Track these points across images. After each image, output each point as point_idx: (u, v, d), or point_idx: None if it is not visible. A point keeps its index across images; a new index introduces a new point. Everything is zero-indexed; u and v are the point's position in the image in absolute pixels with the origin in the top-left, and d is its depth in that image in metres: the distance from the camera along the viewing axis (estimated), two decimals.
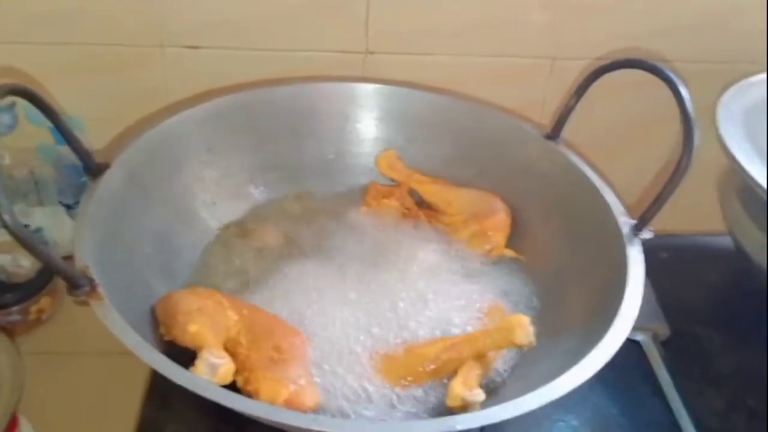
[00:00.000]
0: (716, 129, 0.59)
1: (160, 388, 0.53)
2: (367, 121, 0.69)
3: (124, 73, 0.70)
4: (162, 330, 0.47)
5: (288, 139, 0.66)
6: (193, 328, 0.44)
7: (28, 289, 0.63)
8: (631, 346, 0.62)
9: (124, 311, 0.44)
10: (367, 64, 0.72)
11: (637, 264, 0.51)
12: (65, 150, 0.59)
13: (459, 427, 0.38)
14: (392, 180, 0.69)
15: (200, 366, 0.42)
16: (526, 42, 0.72)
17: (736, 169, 0.57)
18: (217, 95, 0.64)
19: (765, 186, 0.53)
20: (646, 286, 0.67)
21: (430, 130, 0.68)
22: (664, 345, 0.62)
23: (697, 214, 0.71)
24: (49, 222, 0.71)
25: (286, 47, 0.70)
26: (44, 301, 0.65)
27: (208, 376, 0.42)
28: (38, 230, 0.70)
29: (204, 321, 0.45)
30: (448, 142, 0.68)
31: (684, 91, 0.50)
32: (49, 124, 0.49)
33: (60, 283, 0.61)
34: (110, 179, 0.52)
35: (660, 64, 0.52)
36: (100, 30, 0.67)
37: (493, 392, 0.51)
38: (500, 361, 0.53)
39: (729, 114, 0.61)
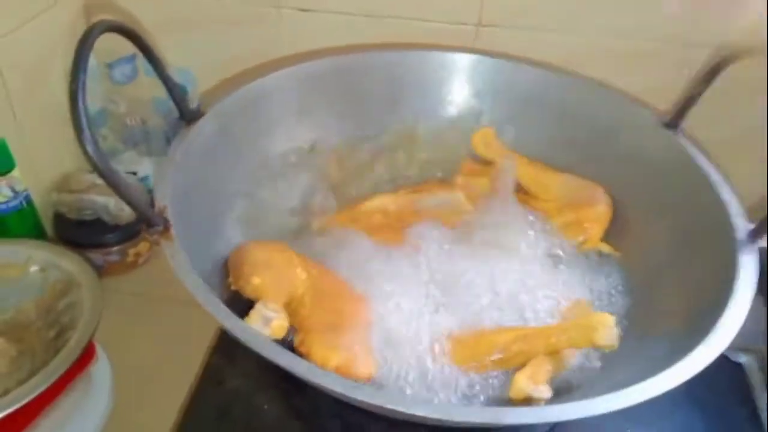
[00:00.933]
0: None
1: (227, 341, 0.53)
2: (467, 94, 0.66)
3: (238, 30, 0.71)
4: (230, 279, 0.47)
5: (385, 106, 0.65)
6: (256, 280, 0.44)
7: (128, 232, 0.66)
8: (731, 366, 0.56)
9: (197, 255, 0.45)
10: (479, 36, 0.69)
11: (750, 272, 0.44)
12: None
13: (508, 421, 0.35)
14: (487, 159, 0.65)
15: (254, 316, 0.42)
16: (654, 23, 0.66)
17: None
18: (317, 57, 0.63)
19: None
20: (757, 302, 0.60)
21: (533, 108, 0.64)
22: None
23: None
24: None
25: (398, 14, 0.69)
26: (142, 246, 0.68)
27: (261, 327, 0.42)
28: (145, 178, 0.74)
29: (269, 274, 0.45)
30: (552, 123, 0.64)
31: None
32: None
33: None
34: (202, 127, 0.53)
35: None
36: None
37: (566, 392, 0.47)
38: (579, 361, 0.49)
39: None
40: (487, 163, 0.65)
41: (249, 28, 0.71)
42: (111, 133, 0.74)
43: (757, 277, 0.44)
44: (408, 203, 0.59)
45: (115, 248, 0.66)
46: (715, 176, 0.52)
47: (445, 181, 0.63)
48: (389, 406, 0.35)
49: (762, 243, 0.47)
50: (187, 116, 0.52)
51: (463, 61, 0.65)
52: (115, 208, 0.68)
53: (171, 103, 0.71)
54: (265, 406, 0.51)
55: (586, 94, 0.62)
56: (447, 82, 0.66)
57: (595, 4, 0.65)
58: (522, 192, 0.63)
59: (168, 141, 0.74)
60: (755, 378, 0.55)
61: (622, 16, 0.66)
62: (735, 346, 0.55)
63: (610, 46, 0.68)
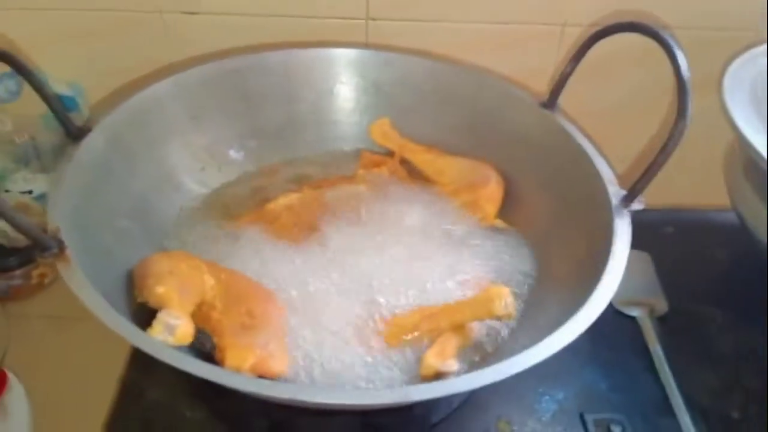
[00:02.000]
0: (722, 99, 0.56)
1: (142, 353, 0.53)
2: (361, 88, 0.67)
3: (124, 38, 0.70)
4: (136, 292, 0.47)
5: (279, 105, 0.66)
6: (160, 289, 0.44)
7: (29, 254, 0.64)
8: (625, 321, 0.61)
9: (98, 273, 0.44)
10: (370, 30, 0.71)
11: (623, 235, 0.49)
12: None
13: (416, 398, 0.38)
14: (385, 149, 0.68)
15: (156, 326, 0.42)
16: (534, 7, 0.70)
17: (740, 142, 0.54)
18: (208, 60, 0.63)
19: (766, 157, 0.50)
20: (646, 261, 0.66)
21: (426, 98, 0.67)
22: (661, 321, 0.61)
23: (709, 189, 0.68)
24: None
25: (286, 13, 0.69)
26: (46, 267, 0.66)
27: (164, 336, 0.42)
28: (41, 196, 0.72)
29: (173, 283, 0.45)
30: (444, 111, 0.66)
31: (680, 56, 0.48)
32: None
33: None
34: (91, 143, 0.52)
35: (656, 27, 0.49)
36: None
37: (483, 361, 0.50)
38: (489, 331, 0.52)
39: (736, 84, 0.58)
40: (386, 153, 0.67)
41: (135, 36, 0.70)
42: (0, 154, 0.71)
43: (630, 238, 0.49)
44: (312, 199, 0.61)
45: (18, 272, 0.64)
46: (590, 149, 0.56)
47: (347, 175, 0.65)
48: (300, 398, 0.37)
49: (633, 207, 0.51)
50: (74, 132, 0.51)
51: (354, 56, 0.67)
52: (14, 231, 0.66)
53: None
54: (188, 414, 0.51)
55: (471, 81, 0.65)
56: (340, 78, 0.67)
57: None
58: (421, 178, 0.65)
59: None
60: (648, 330, 0.60)
61: (502, 2, 0.69)
62: (628, 300, 0.62)
63: (493, 33, 0.71)
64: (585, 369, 0.57)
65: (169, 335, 0.42)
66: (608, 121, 0.71)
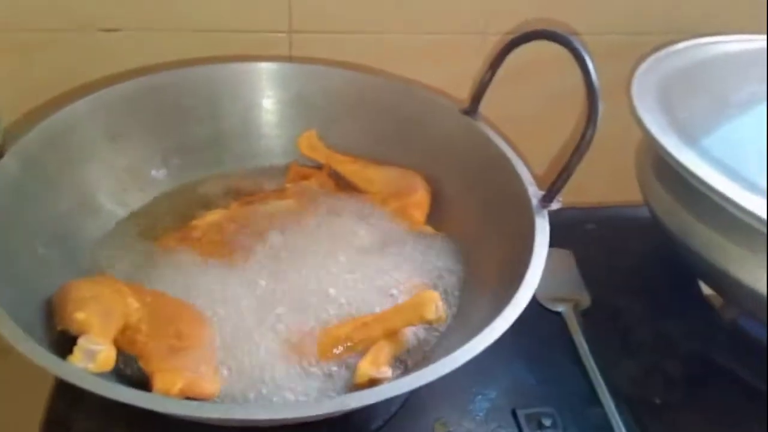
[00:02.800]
0: (631, 102, 0.60)
1: (68, 385, 0.51)
2: (286, 101, 0.68)
3: (41, 56, 0.67)
4: (56, 320, 0.45)
5: (202, 122, 0.65)
6: (80, 315, 0.43)
7: None
8: (552, 317, 0.63)
9: (17, 303, 0.43)
10: (293, 43, 0.71)
11: (543, 234, 0.51)
12: None
13: (353, 405, 0.38)
14: (313, 161, 0.68)
15: (77, 353, 0.41)
16: (455, 17, 0.72)
17: (649, 142, 0.58)
18: (126, 78, 0.62)
19: (675, 156, 0.54)
20: (569, 257, 0.69)
21: (351, 110, 0.67)
22: (585, 315, 0.63)
23: (624, 186, 0.72)
24: None
25: (209, 28, 0.69)
26: None
27: (86, 363, 0.41)
28: None
29: (95, 309, 0.44)
30: (368, 121, 0.67)
31: (590, 64, 0.50)
32: None
33: None
34: (4, 168, 0.50)
35: (567, 35, 0.52)
36: (8, 15, 0.65)
37: (416, 367, 0.51)
38: (421, 337, 0.53)
39: (643, 86, 0.62)
40: (315, 165, 0.68)
41: (52, 54, 0.67)
42: None
43: (548, 236, 0.51)
44: (240, 215, 0.60)
45: None
46: (510, 153, 0.58)
47: (276, 189, 0.65)
48: (233, 416, 0.37)
49: (552, 206, 0.53)
50: None
51: (277, 69, 0.67)
52: None
53: None
54: None
55: (393, 91, 0.66)
56: (264, 92, 0.67)
57: (397, 4, 0.70)
58: (350, 188, 0.66)
59: None
60: (573, 324, 0.62)
61: (422, 12, 0.71)
62: (552, 297, 0.64)
63: (416, 42, 0.73)
64: (514, 366, 0.59)
65: (90, 362, 0.41)
66: (527, 125, 0.74)
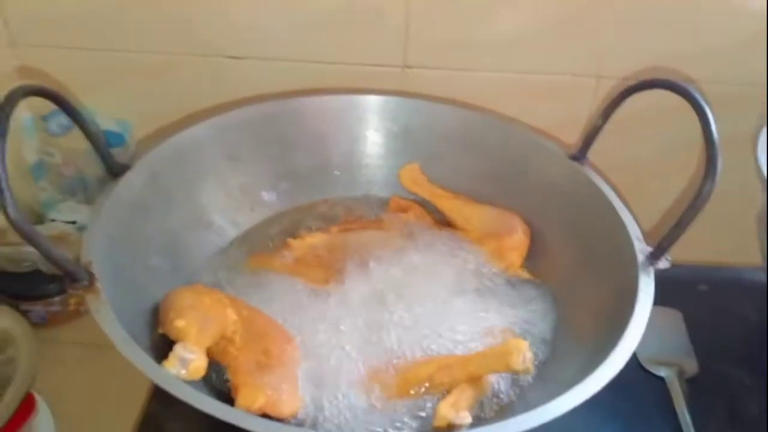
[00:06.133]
0: (756, 159, 0.56)
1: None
2: (392, 134, 0.69)
3: (170, 79, 0.73)
4: (159, 324, 0.48)
5: (312, 149, 0.68)
6: (180, 323, 0.46)
7: None
8: (654, 381, 0.59)
9: (126, 307, 0.46)
10: (404, 78, 0.73)
11: (647, 293, 0.48)
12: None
13: None
14: (413, 194, 0.69)
15: (172, 359, 0.43)
16: (569, 58, 0.70)
17: None
18: (246, 104, 0.65)
19: None
20: (677, 318, 0.64)
21: (455, 146, 0.68)
22: (691, 383, 0.59)
23: (740, 245, 0.67)
24: None
25: (326, 60, 0.72)
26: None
27: (178, 369, 0.43)
28: (84, 227, 0.75)
29: (193, 317, 0.47)
30: (473, 159, 0.67)
31: (708, 113, 0.48)
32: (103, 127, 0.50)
33: None
34: (130, 180, 0.54)
35: (686, 85, 0.50)
36: (142, 38, 0.71)
37: (499, 415, 0.50)
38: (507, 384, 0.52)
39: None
40: (415, 198, 0.68)
41: (179, 78, 0.73)
42: (49, 185, 0.75)
43: (653, 297, 0.48)
44: (338, 241, 0.62)
45: (56, 298, 0.66)
46: (617, 203, 0.56)
47: (374, 219, 0.66)
48: None
49: (659, 265, 0.50)
50: (114, 169, 0.54)
51: (386, 102, 0.68)
52: None
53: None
54: None
55: (501, 131, 0.66)
56: (373, 123, 0.69)
57: (512, 43, 0.70)
58: (447, 224, 0.66)
59: None
60: (676, 391, 0.58)
61: (537, 52, 0.70)
62: (657, 359, 0.60)
63: (528, 82, 0.72)
64: (609, 428, 0.56)
65: (182, 369, 0.43)
66: (637, 176, 0.70)
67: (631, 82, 0.55)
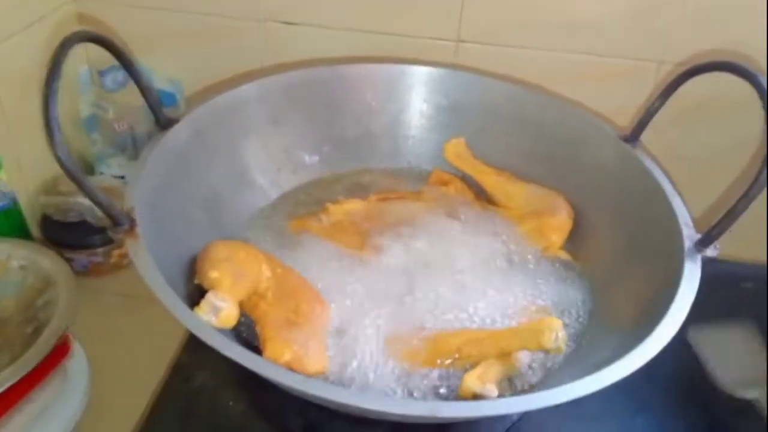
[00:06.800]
0: None
1: (196, 340, 0.55)
2: (440, 107, 0.68)
3: (224, 43, 0.74)
4: (195, 275, 0.49)
5: (359, 117, 0.67)
6: (213, 274, 0.46)
7: None
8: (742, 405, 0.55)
9: (165, 254, 0.47)
10: (458, 52, 0.71)
11: (692, 280, 0.46)
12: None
13: (444, 414, 0.37)
14: (456, 168, 0.67)
15: (203, 306, 0.44)
16: (632, 42, 0.68)
17: None
18: (294, 68, 0.66)
19: None
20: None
21: (504, 123, 0.66)
22: None
23: None
24: None
25: (380, 30, 0.71)
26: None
27: (209, 316, 0.44)
28: None
29: (227, 269, 0.47)
30: (521, 136, 0.66)
31: None
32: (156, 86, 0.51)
33: None
34: (176, 132, 0.55)
35: (749, 66, 0.47)
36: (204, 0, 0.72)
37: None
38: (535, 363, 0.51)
39: None
40: (456, 173, 0.67)
41: (235, 41, 0.74)
42: (101, 138, 0.77)
43: (697, 284, 0.46)
44: (376, 210, 0.61)
45: (100, 250, 0.68)
46: (668, 188, 0.54)
47: (414, 191, 0.65)
48: (327, 397, 0.37)
49: (707, 252, 0.48)
50: (163, 122, 0.55)
51: (439, 74, 0.67)
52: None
53: None
54: (230, 403, 0.53)
55: (552, 109, 0.64)
56: (422, 94, 0.68)
57: (569, 24, 0.68)
58: (487, 200, 0.65)
59: None
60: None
61: (598, 34, 0.68)
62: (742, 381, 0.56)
63: (586, 63, 0.70)
64: None
65: (214, 316, 0.44)
66: (690, 163, 0.67)
67: (691, 65, 0.53)
